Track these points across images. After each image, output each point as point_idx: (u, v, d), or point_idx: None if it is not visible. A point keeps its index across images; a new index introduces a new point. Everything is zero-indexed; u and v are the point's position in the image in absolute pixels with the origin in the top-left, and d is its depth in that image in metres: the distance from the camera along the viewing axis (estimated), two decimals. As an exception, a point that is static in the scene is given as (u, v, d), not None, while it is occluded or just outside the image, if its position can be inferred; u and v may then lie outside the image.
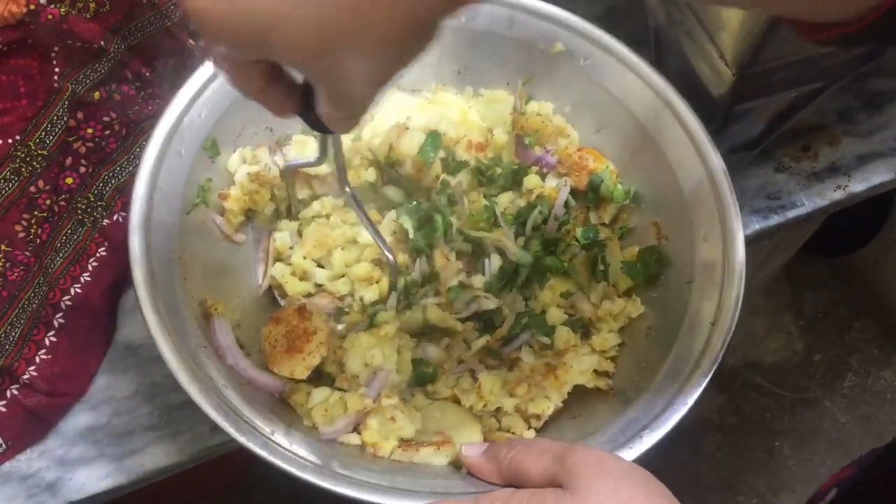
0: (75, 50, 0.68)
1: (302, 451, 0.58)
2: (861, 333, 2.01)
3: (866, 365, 1.97)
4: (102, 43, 0.69)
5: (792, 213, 0.88)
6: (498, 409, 0.68)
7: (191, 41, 0.79)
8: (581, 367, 0.68)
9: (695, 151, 0.71)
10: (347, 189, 0.63)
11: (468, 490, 0.55)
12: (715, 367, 0.62)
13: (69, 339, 0.71)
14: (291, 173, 0.73)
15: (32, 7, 0.63)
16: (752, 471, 1.82)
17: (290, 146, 0.75)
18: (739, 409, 1.89)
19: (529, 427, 0.68)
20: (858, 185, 0.91)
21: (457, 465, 0.61)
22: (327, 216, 0.75)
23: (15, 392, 0.68)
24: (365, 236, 0.72)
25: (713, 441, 1.84)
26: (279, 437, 0.58)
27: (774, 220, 0.88)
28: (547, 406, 0.67)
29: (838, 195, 0.90)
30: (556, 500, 0.48)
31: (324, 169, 0.72)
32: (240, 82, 0.47)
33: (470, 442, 0.62)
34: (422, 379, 0.69)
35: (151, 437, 0.71)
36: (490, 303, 0.72)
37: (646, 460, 0.58)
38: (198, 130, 0.69)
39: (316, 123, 0.50)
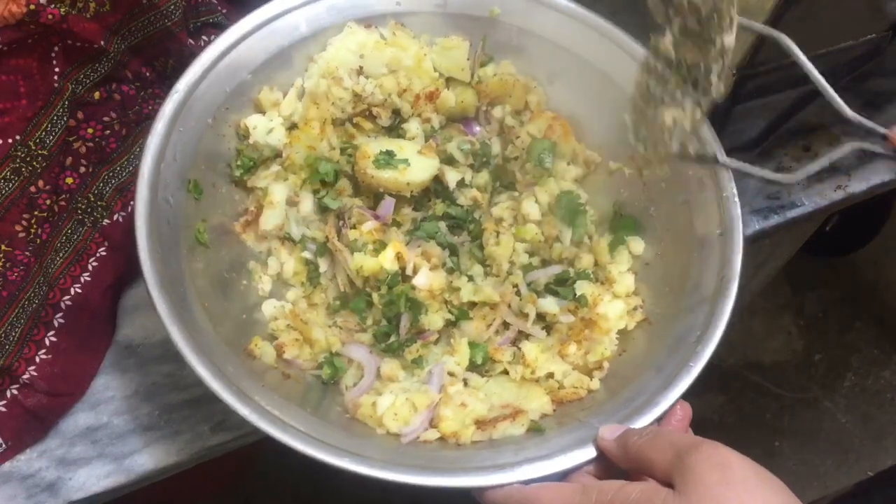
0: (75, 50, 0.68)
1: (379, 456, 0.57)
2: (861, 333, 2.01)
3: (866, 365, 1.97)
4: (102, 43, 0.69)
5: (792, 213, 0.88)
6: (550, 375, 0.68)
7: (190, 41, 0.79)
8: (616, 313, 0.70)
9: None
10: None
11: (543, 453, 0.57)
12: (739, 275, 0.63)
13: (69, 339, 0.71)
14: None
15: (32, 7, 0.63)
16: (752, 471, 1.81)
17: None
18: (739, 409, 1.89)
19: (592, 378, 0.68)
20: (858, 185, 0.91)
21: (537, 428, 0.63)
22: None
23: (15, 392, 0.68)
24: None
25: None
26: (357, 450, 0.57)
27: (774, 220, 0.88)
28: (605, 350, 0.68)
29: (838, 195, 0.90)
30: (664, 502, 0.46)
31: None
32: None
33: (543, 408, 0.65)
34: (476, 358, 0.70)
35: (151, 437, 0.71)
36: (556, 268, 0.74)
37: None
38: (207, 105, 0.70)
39: None
